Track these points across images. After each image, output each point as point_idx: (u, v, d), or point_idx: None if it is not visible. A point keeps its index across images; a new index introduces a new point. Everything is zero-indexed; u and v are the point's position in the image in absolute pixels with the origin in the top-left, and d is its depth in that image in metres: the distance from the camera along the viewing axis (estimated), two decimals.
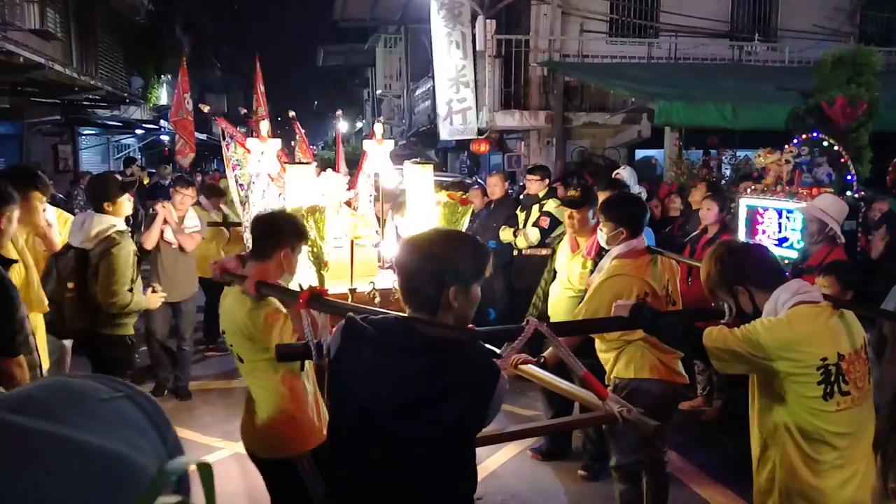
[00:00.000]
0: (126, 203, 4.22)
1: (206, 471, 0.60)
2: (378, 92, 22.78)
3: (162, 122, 18.69)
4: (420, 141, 18.92)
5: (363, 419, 1.86)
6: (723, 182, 8.24)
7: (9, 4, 9.33)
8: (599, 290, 3.56)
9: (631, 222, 3.66)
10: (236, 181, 4.77)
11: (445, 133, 12.98)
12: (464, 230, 3.81)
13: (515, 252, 6.84)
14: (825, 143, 6.02)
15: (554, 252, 4.82)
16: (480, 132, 12.79)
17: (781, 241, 5.79)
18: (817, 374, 2.24)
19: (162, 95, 18.48)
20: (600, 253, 4.15)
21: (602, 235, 3.79)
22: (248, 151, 4.40)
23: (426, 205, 3.92)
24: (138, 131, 18.59)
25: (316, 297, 2.38)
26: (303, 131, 5.28)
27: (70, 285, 4.37)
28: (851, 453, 2.31)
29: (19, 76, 10.31)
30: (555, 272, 4.63)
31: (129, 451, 0.63)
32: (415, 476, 1.86)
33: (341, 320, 2.02)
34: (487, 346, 2.08)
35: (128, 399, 0.69)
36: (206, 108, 5.43)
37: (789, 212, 5.73)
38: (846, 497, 2.30)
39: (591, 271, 4.18)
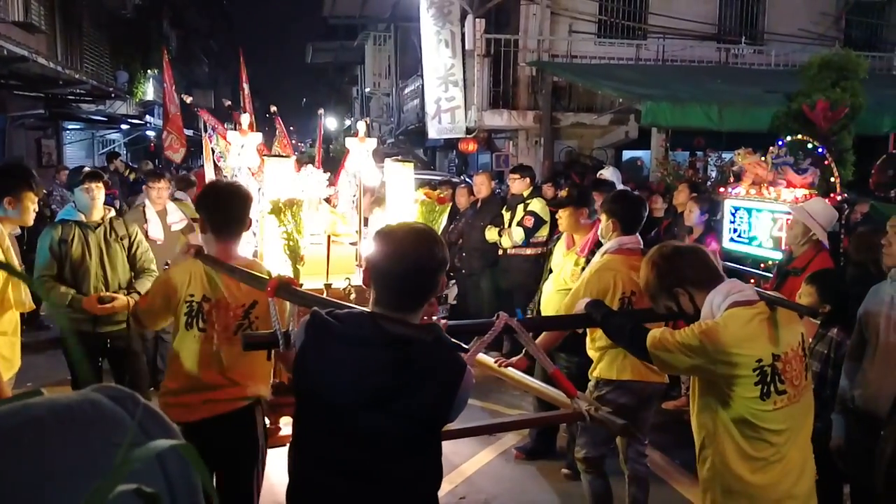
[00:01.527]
0: (80, 194, 4.29)
1: (188, 450, 0.56)
2: (367, 90, 22.74)
3: (147, 117, 18.58)
4: (408, 139, 18.89)
5: (329, 414, 1.85)
6: (708, 183, 8.27)
7: None
8: (585, 285, 3.63)
9: (622, 218, 3.77)
10: (219, 173, 4.76)
11: (434, 132, 12.96)
12: (441, 229, 3.84)
13: (500, 252, 6.85)
14: (809, 146, 6.04)
15: (550, 252, 4.91)
16: (469, 131, 12.78)
17: (751, 241, 5.82)
18: (753, 375, 2.27)
19: (148, 90, 18.36)
20: (594, 251, 4.23)
21: (599, 229, 3.91)
22: (230, 144, 4.39)
23: (406, 202, 3.92)
24: (123, 126, 18.43)
25: (284, 287, 2.39)
26: (283, 127, 5.25)
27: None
28: (788, 449, 2.35)
29: (2, 69, 10.18)
30: (550, 270, 4.67)
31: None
32: (380, 471, 1.86)
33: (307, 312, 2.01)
34: (454, 340, 2.07)
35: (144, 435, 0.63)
36: (188, 99, 5.41)
37: (758, 211, 5.78)
38: (784, 490, 2.35)
39: (584, 269, 4.24)
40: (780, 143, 6.18)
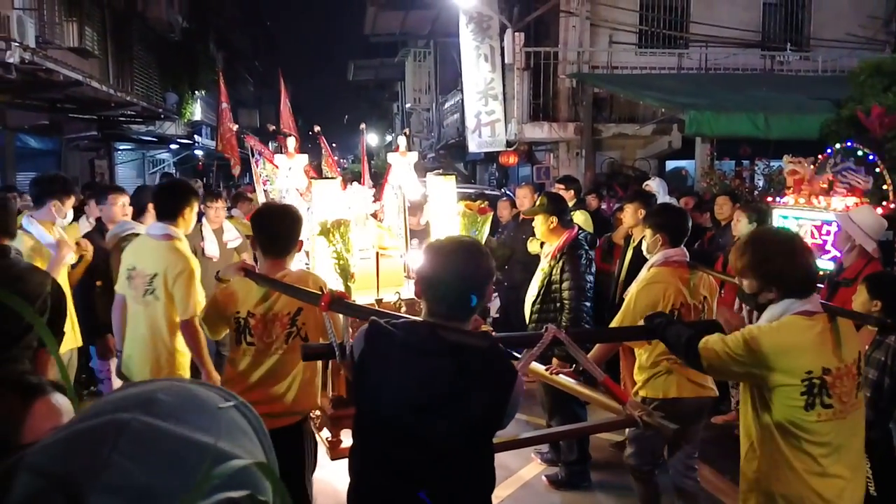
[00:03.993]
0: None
1: (266, 470, 0.59)
2: (407, 105, 22.96)
3: (196, 136, 19.02)
4: (449, 153, 18.99)
5: (389, 419, 1.94)
6: (755, 193, 8.12)
7: (49, 23, 9.58)
8: (634, 299, 3.61)
9: (669, 230, 3.74)
10: (267, 196, 4.89)
11: (474, 145, 13.01)
12: (484, 239, 3.91)
13: None
14: (860, 153, 5.91)
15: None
16: (509, 144, 12.80)
17: None
18: (801, 385, 2.26)
19: (196, 111, 18.80)
20: (558, 256, 4.42)
21: (644, 244, 3.90)
22: (277, 167, 4.51)
23: (449, 215, 3.98)
24: (173, 146, 18.90)
25: (337, 301, 2.50)
26: (328, 147, 5.34)
27: (98, 282, 4.67)
28: (830, 463, 2.32)
29: (58, 93, 10.54)
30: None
31: (248, 458, 0.64)
32: (436, 474, 1.94)
33: (362, 324, 2.11)
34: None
35: (236, 409, 0.70)
36: (234, 127, 5.57)
37: (783, 218, 5.67)
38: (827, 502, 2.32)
39: (549, 273, 4.44)
40: (828, 151, 6.06)
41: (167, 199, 3.92)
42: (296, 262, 3.34)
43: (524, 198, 7.30)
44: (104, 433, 0.61)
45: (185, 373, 3.78)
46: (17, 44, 7.50)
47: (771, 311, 2.37)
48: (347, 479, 2.12)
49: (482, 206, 4.02)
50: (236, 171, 7.84)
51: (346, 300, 2.56)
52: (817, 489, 2.31)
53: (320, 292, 2.59)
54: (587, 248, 4.63)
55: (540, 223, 4.53)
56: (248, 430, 0.70)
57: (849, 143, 6.08)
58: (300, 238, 3.17)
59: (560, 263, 4.41)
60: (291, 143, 4.38)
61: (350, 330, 2.42)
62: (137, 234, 4.48)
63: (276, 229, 3.09)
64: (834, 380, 2.29)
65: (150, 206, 4.54)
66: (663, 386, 3.60)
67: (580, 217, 6.61)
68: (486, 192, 11.10)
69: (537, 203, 4.68)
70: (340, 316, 2.63)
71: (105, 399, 0.68)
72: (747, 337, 2.31)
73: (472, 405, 1.90)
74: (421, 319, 2.04)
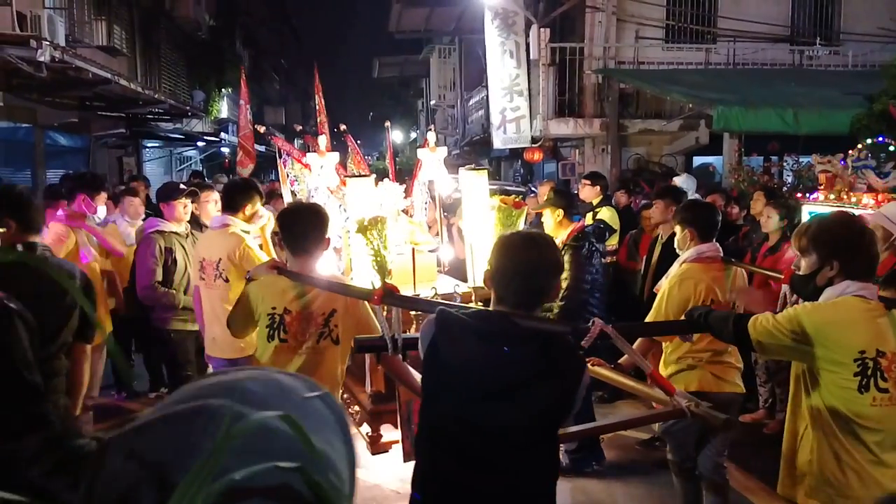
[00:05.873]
0: (179, 208, 4.76)
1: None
2: (432, 102, 22.95)
3: (222, 134, 19.20)
4: (474, 150, 18.96)
5: (460, 405, 1.96)
6: (784, 189, 8.01)
7: (78, 22, 9.73)
8: (666, 297, 3.60)
9: (698, 225, 3.72)
10: (294, 196, 4.94)
11: (499, 142, 12.98)
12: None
13: None
14: (891, 148, 5.80)
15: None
16: (534, 140, 12.75)
17: None
18: (853, 365, 2.22)
19: (223, 108, 18.97)
20: (562, 249, 4.43)
21: (676, 240, 3.90)
22: (306, 167, 4.57)
23: (482, 209, 4.01)
24: (200, 143, 19.08)
25: (389, 294, 2.56)
26: (356, 143, 5.37)
27: None
28: (882, 451, 2.27)
29: (87, 91, 10.68)
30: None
31: (329, 450, 0.65)
32: (502, 462, 1.96)
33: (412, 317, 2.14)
34: None
35: (321, 399, 0.71)
36: (261, 129, 5.67)
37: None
38: (885, 491, 2.26)
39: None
40: (859, 146, 5.96)
41: (231, 195, 4.29)
42: (326, 261, 3.35)
43: (545, 195, 7.28)
44: (196, 417, 0.63)
45: None
46: (47, 42, 7.61)
47: (827, 293, 2.35)
48: (386, 474, 2.14)
49: (517, 199, 4.08)
50: (246, 170, 7.92)
51: (398, 293, 2.61)
52: (874, 476, 2.27)
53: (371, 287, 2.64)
54: (593, 240, 4.72)
55: (548, 217, 4.66)
56: (331, 421, 0.70)
57: (880, 139, 5.97)
58: (327, 236, 3.18)
59: (564, 256, 4.47)
60: (323, 141, 4.43)
61: (397, 325, 2.46)
62: (163, 232, 4.69)
63: (299, 228, 3.09)
64: (890, 364, 2.24)
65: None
66: (685, 380, 3.57)
67: (606, 213, 6.57)
68: (507, 187, 11.00)
69: (545, 198, 4.75)
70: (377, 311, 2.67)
71: (194, 385, 0.70)
72: (800, 312, 2.29)
73: (542, 394, 1.92)
74: (491, 309, 2.07)
